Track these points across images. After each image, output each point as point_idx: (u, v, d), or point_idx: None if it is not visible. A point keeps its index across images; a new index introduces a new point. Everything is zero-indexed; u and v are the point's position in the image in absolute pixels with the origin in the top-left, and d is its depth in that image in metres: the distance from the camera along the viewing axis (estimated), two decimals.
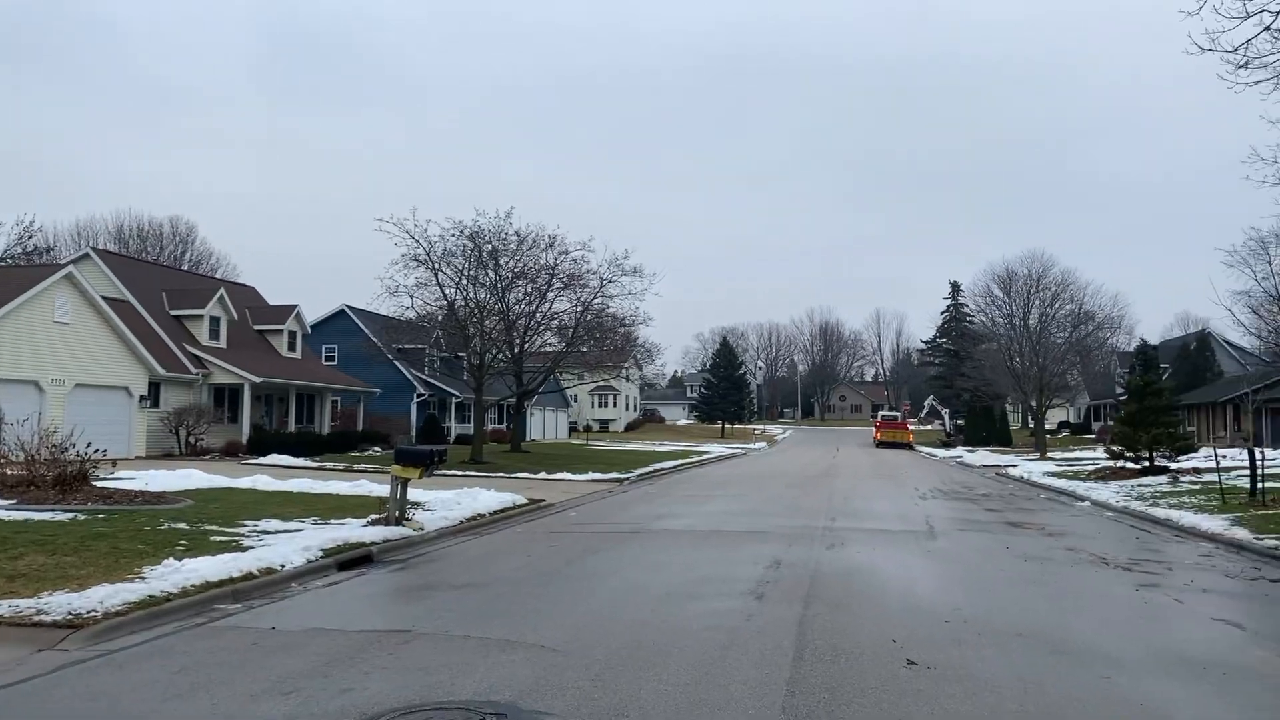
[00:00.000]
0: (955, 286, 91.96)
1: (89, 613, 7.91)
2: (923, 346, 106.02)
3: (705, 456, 47.43)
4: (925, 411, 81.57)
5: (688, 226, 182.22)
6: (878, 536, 15.19)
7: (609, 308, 39.79)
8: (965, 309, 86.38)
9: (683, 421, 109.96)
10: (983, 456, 48.98)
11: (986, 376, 61.93)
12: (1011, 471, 35.70)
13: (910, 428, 74.47)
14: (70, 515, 13.86)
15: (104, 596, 8.33)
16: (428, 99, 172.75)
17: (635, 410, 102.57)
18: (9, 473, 16.21)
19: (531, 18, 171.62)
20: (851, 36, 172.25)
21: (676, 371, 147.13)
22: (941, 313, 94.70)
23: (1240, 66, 12.51)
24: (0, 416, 19.27)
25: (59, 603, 8.11)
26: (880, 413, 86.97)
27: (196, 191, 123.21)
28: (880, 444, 67.85)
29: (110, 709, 5.81)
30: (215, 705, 5.78)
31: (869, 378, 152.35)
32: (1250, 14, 11.68)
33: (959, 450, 57.84)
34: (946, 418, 76.43)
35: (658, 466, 35.72)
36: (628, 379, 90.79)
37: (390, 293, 35.16)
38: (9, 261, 48.99)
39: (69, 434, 16.49)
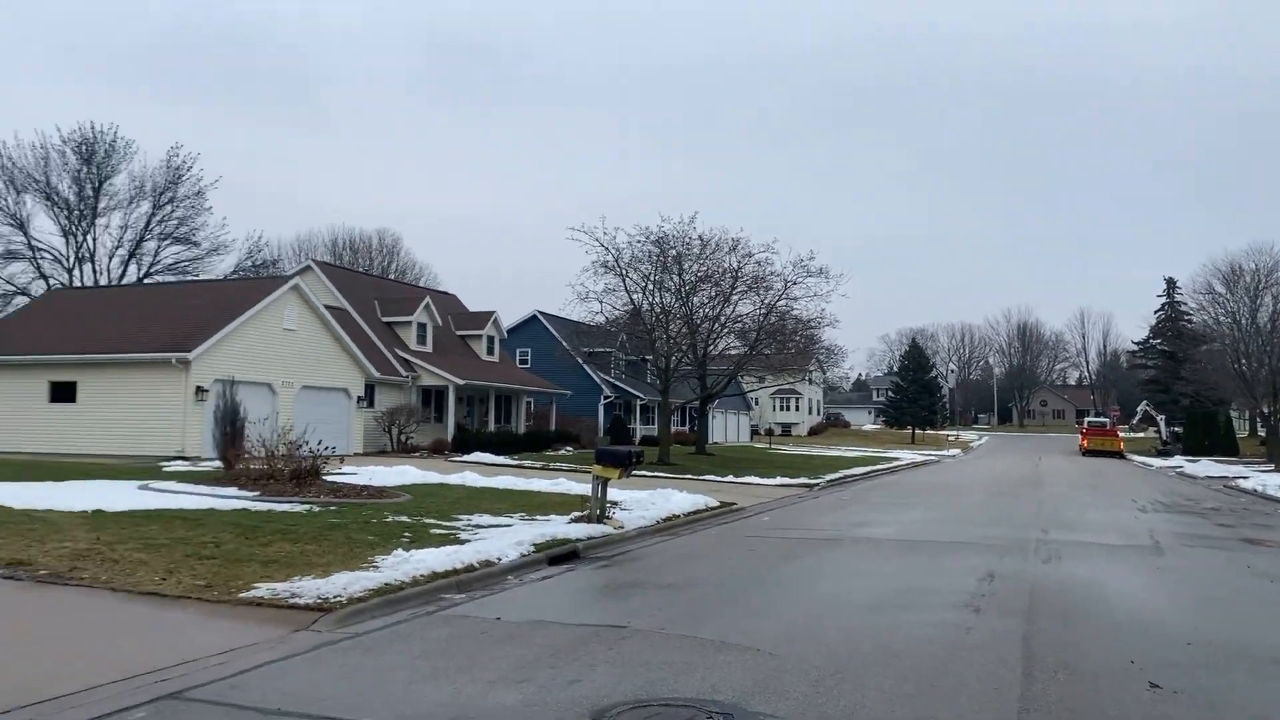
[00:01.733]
0: (1171, 283, 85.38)
1: (335, 597, 8.58)
2: (1134, 348, 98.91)
3: (896, 463, 46.06)
4: (1138, 418, 75.53)
5: (850, 226, 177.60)
6: (1097, 550, 14.30)
7: (793, 309, 39.38)
8: (1183, 307, 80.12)
9: (868, 426, 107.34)
10: (1206, 467, 45.14)
11: (1209, 380, 57.19)
12: (1242, 484, 32.78)
13: (1121, 435, 69.56)
14: (306, 507, 15.11)
15: (346, 583, 9.02)
16: (590, 102, 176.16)
17: (818, 414, 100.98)
18: (252, 467, 17.83)
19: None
20: (1032, 35, 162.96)
21: (861, 375, 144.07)
22: (1155, 312, 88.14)
23: None
24: (245, 416, 21.16)
25: (308, 588, 8.85)
26: (1087, 419, 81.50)
27: (392, 203, 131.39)
28: (1087, 452, 63.75)
29: (367, 688, 6.27)
30: (457, 691, 6.15)
31: (1072, 381, 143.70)
32: None
33: (1178, 460, 53.55)
34: (1162, 425, 70.74)
35: (847, 473, 35.02)
36: (810, 382, 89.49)
37: (580, 298, 36.45)
38: (240, 274, 54.02)
39: (302, 432, 17.93)
